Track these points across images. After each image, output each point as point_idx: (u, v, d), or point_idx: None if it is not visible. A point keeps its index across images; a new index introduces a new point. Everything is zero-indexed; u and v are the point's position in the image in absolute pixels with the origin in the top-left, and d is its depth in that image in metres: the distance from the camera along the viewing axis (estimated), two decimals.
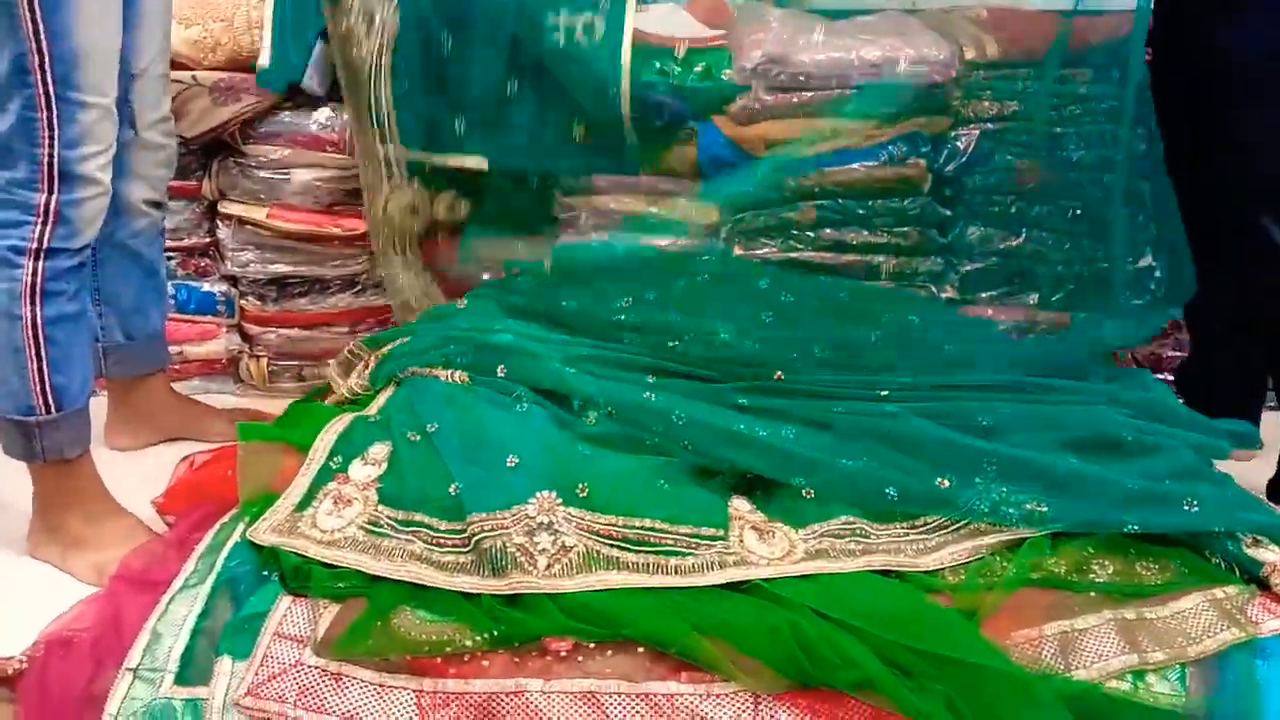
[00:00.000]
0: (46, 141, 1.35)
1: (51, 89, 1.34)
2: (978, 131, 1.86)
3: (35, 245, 1.38)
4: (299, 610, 1.17)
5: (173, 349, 1.99)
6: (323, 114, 1.95)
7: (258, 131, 1.94)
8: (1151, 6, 1.65)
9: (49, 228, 1.38)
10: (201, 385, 2.08)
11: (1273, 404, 1.91)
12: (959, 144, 1.86)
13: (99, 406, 1.65)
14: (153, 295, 1.77)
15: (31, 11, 1.30)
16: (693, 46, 1.86)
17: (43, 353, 1.41)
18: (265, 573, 1.23)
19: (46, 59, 1.33)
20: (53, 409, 1.42)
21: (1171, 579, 1.23)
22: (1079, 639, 1.16)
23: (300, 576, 1.20)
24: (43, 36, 1.32)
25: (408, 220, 1.87)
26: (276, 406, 1.79)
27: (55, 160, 1.36)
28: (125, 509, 1.52)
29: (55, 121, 1.35)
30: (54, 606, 1.27)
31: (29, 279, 1.39)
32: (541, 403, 1.46)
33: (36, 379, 1.41)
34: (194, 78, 1.93)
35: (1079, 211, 1.86)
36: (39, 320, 1.40)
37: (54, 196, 1.38)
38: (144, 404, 1.81)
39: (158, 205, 1.72)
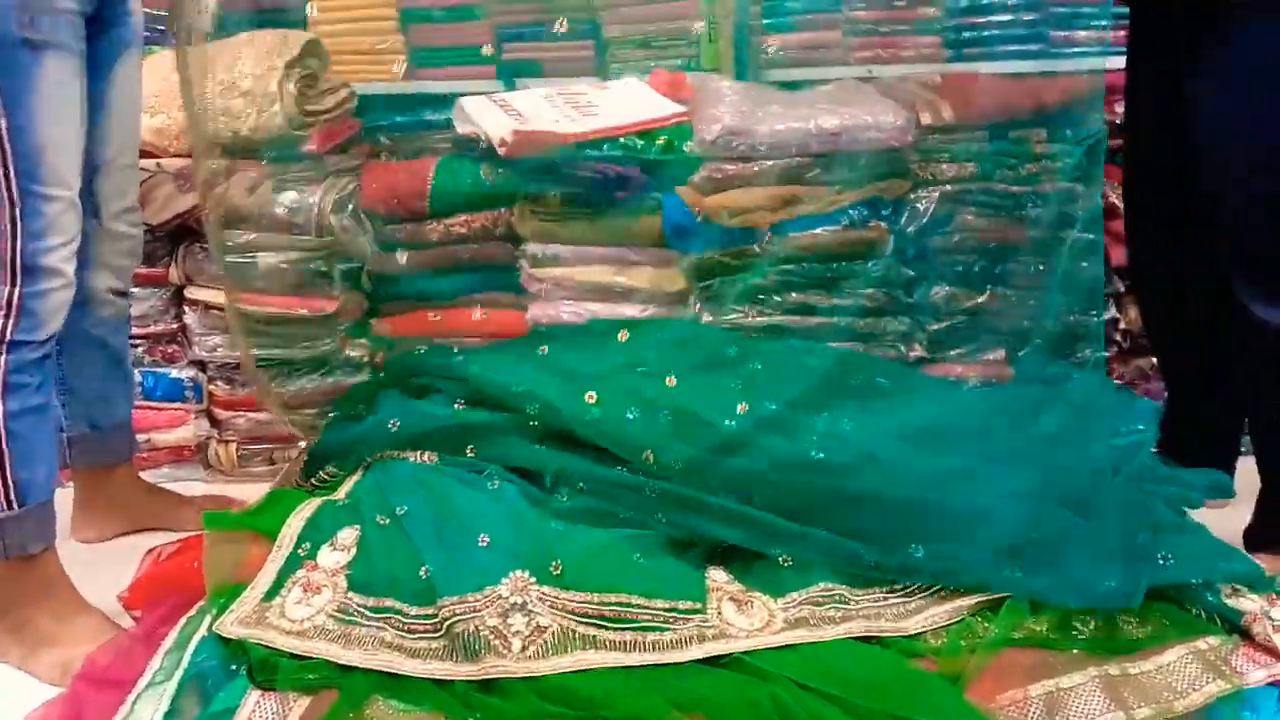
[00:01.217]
0: (9, 235, 1.35)
1: (14, 183, 1.34)
2: (937, 193, 1.90)
3: None
4: (268, 704, 1.14)
5: (140, 436, 1.96)
6: (288, 197, 1.95)
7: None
8: (1106, 67, 1.69)
9: (12, 321, 1.37)
10: (170, 473, 2.05)
11: (1246, 450, 1.92)
12: (919, 206, 1.89)
13: (64, 498, 1.62)
14: (119, 384, 1.75)
15: None
16: (654, 127, 1.90)
17: (4, 447, 1.38)
18: (234, 666, 1.19)
19: (9, 154, 1.33)
20: (15, 504, 1.39)
21: (1153, 632, 1.23)
22: (1065, 698, 1.14)
23: (268, 669, 1.17)
24: (4, 133, 1.33)
25: None
26: (247, 492, 1.77)
27: (19, 253, 1.36)
28: (90, 605, 1.47)
29: (18, 215, 1.35)
30: (15, 710, 1.23)
31: None
32: (512, 480, 1.45)
33: None
34: (159, 165, 1.94)
35: (1042, 267, 1.89)
36: (2, 413, 1.37)
37: (17, 289, 1.37)
38: (112, 494, 1.78)
39: (123, 294, 1.72)
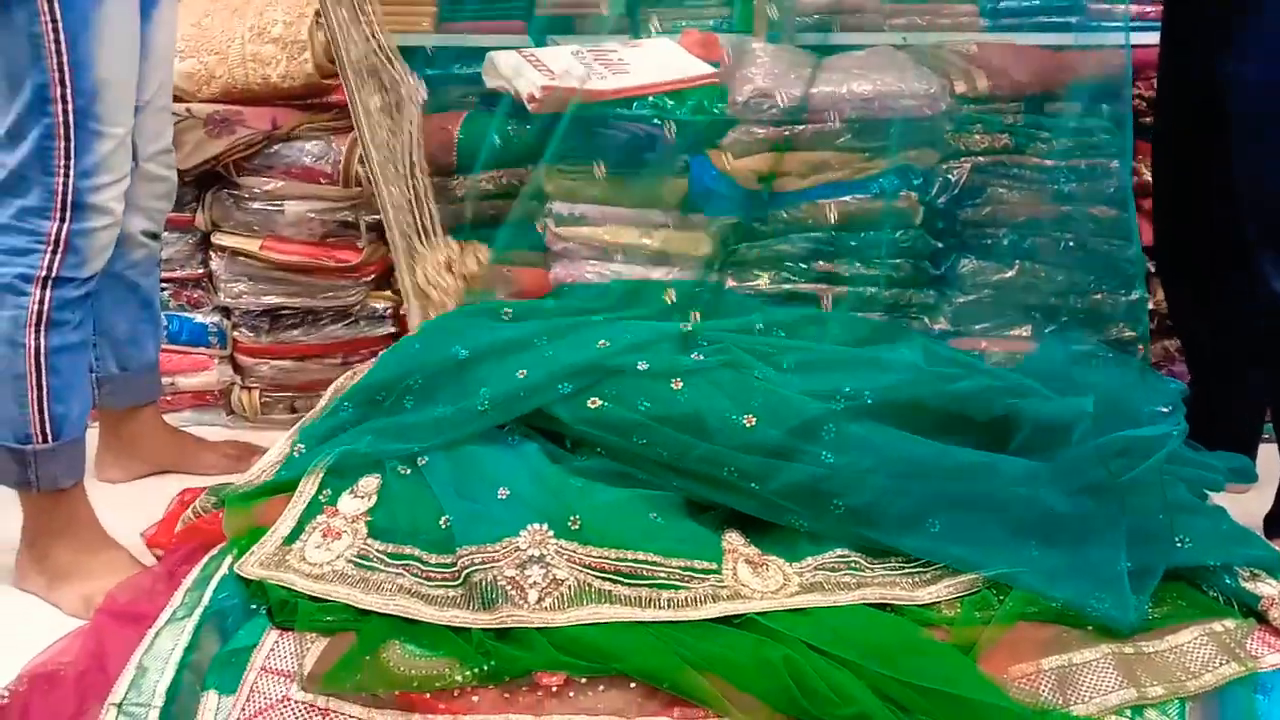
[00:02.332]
0: (62, 171, 1.36)
1: (71, 119, 1.35)
2: (969, 165, 1.87)
3: (44, 274, 1.38)
4: (286, 644, 1.15)
5: (165, 380, 1.98)
6: (316, 146, 1.96)
7: (252, 163, 1.95)
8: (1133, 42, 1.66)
9: (59, 256, 1.38)
10: (193, 417, 2.07)
11: (1269, 437, 1.91)
12: (950, 177, 1.87)
13: (89, 438, 1.63)
14: (148, 327, 1.76)
15: (56, 43, 1.31)
16: (685, 87, 1.88)
17: (44, 381, 1.40)
18: (253, 605, 1.21)
19: (69, 89, 1.33)
20: (50, 438, 1.41)
21: (1168, 613, 1.22)
22: (1077, 674, 1.14)
23: (287, 610, 1.18)
24: (66, 68, 1.32)
25: (445, 279, 1.85)
26: (267, 438, 1.78)
27: (70, 189, 1.36)
28: (116, 541, 1.50)
29: (72, 151, 1.35)
30: (39, 640, 1.25)
31: (35, 307, 1.38)
32: (533, 436, 1.45)
33: (36, 407, 1.40)
34: (189, 110, 1.94)
35: (1071, 244, 1.87)
36: (43, 349, 1.39)
37: (65, 225, 1.38)
38: (135, 436, 1.79)
39: (154, 236, 1.72)
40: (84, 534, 1.48)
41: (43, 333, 1.38)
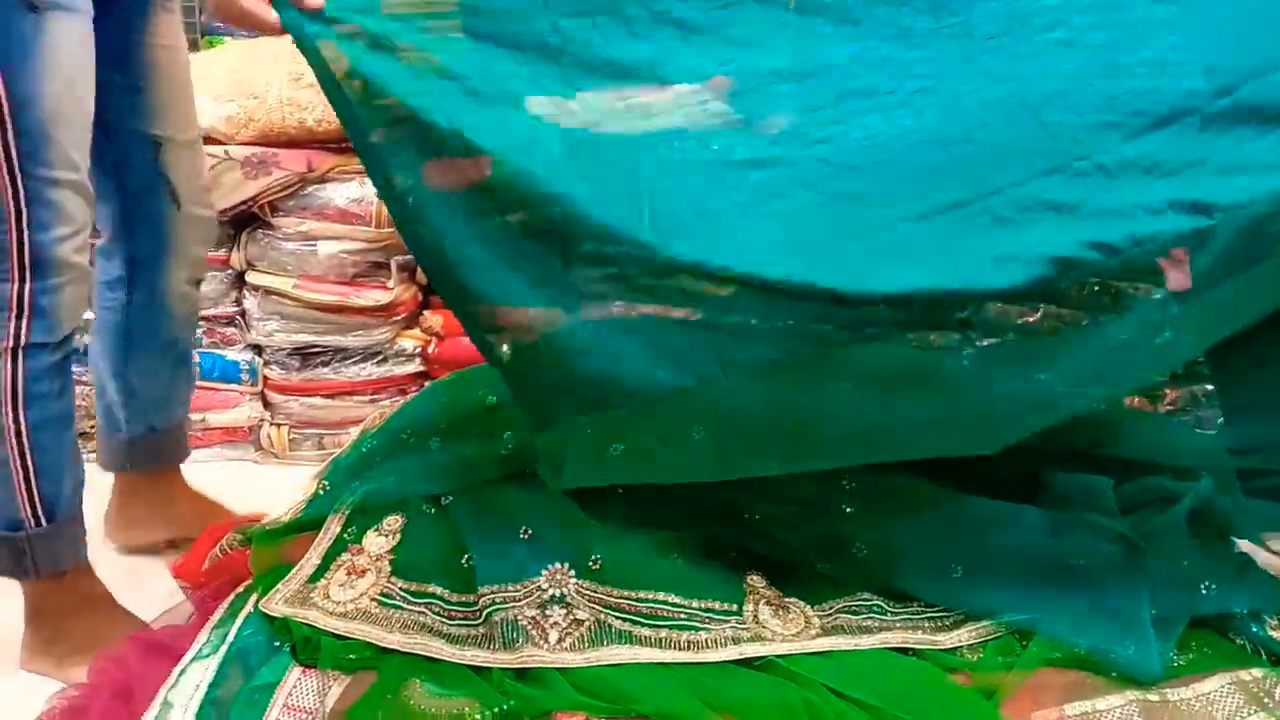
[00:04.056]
0: (13, 224, 1.20)
1: (16, 165, 1.19)
2: None
3: (10, 343, 1.24)
4: (308, 682, 1.16)
5: (195, 416, 2.01)
6: (350, 188, 2.00)
7: (287, 205, 1.99)
8: None
9: (24, 322, 1.24)
10: (222, 452, 2.10)
11: None
12: None
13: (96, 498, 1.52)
14: (183, 384, 1.65)
15: None
16: None
17: (29, 462, 1.27)
18: (277, 643, 1.22)
19: (9, 133, 1.18)
20: (43, 520, 1.30)
21: (1194, 660, 1.21)
22: None
23: (310, 647, 1.19)
24: (5, 105, 1.17)
25: None
26: (295, 475, 1.80)
27: (25, 245, 1.22)
28: (130, 613, 1.41)
29: (22, 202, 1.20)
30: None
31: (7, 381, 1.24)
32: None
33: (24, 490, 1.28)
34: (226, 152, 1.99)
35: None
36: (23, 427, 1.26)
37: (26, 286, 1.23)
38: (158, 499, 1.66)
39: (198, 284, 1.61)
40: (95, 611, 1.38)
41: (20, 409, 1.25)
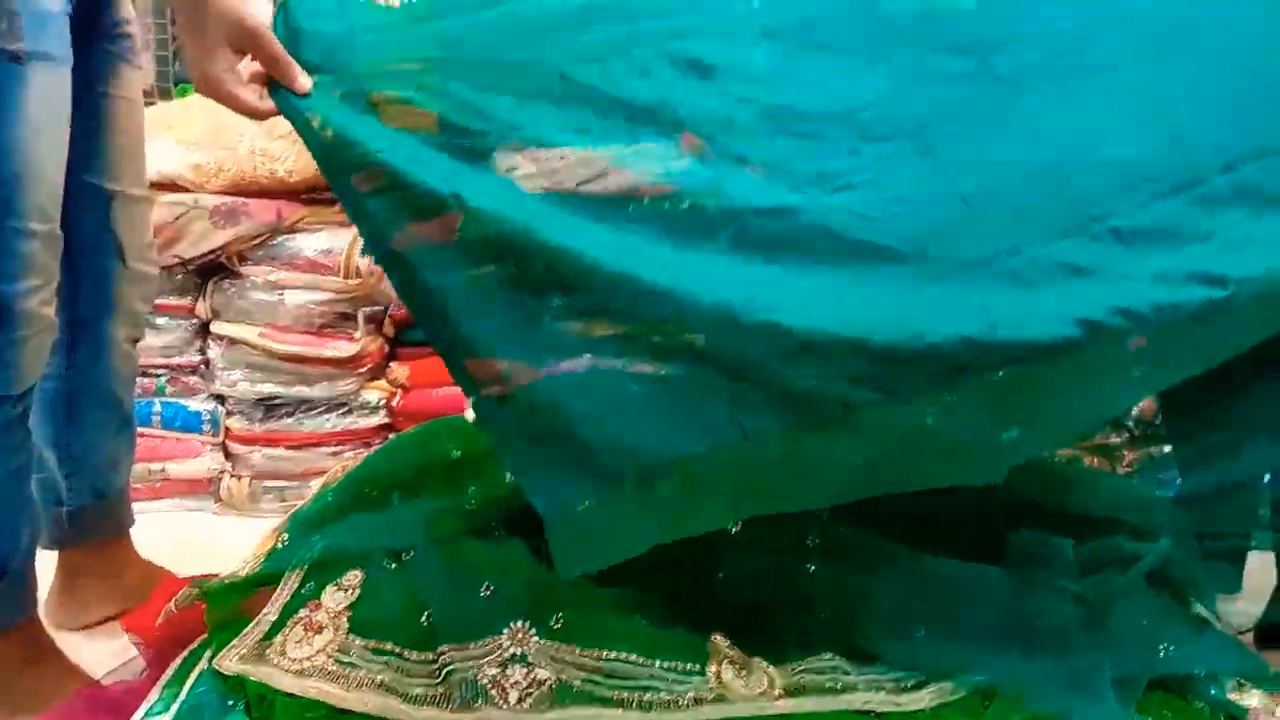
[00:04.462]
0: None
1: None
2: None
3: None
4: None
5: (155, 466, 2.00)
6: (320, 238, 2.00)
7: (255, 254, 1.99)
8: None
9: None
10: (181, 503, 2.07)
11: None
12: None
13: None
14: (126, 446, 1.59)
15: None
16: None
17: None
18: (230, 701, 1.20)
19: None
20: None
21: None
22: None
23: (264, 706, 1.17)
24: None
25: None
26: (255, 528, 1.77)
27: None
28: (79, 668, 1.36)
29: None
30: None
31: None
32: (520, 533, 1.45)
33: None
34: (195, 200, 1.99)
35: None
36: None
37: None
38: (106, 571, 1.58)
39: (135, 342, 1.57)
40: (44, 666, 1.33)
41: None
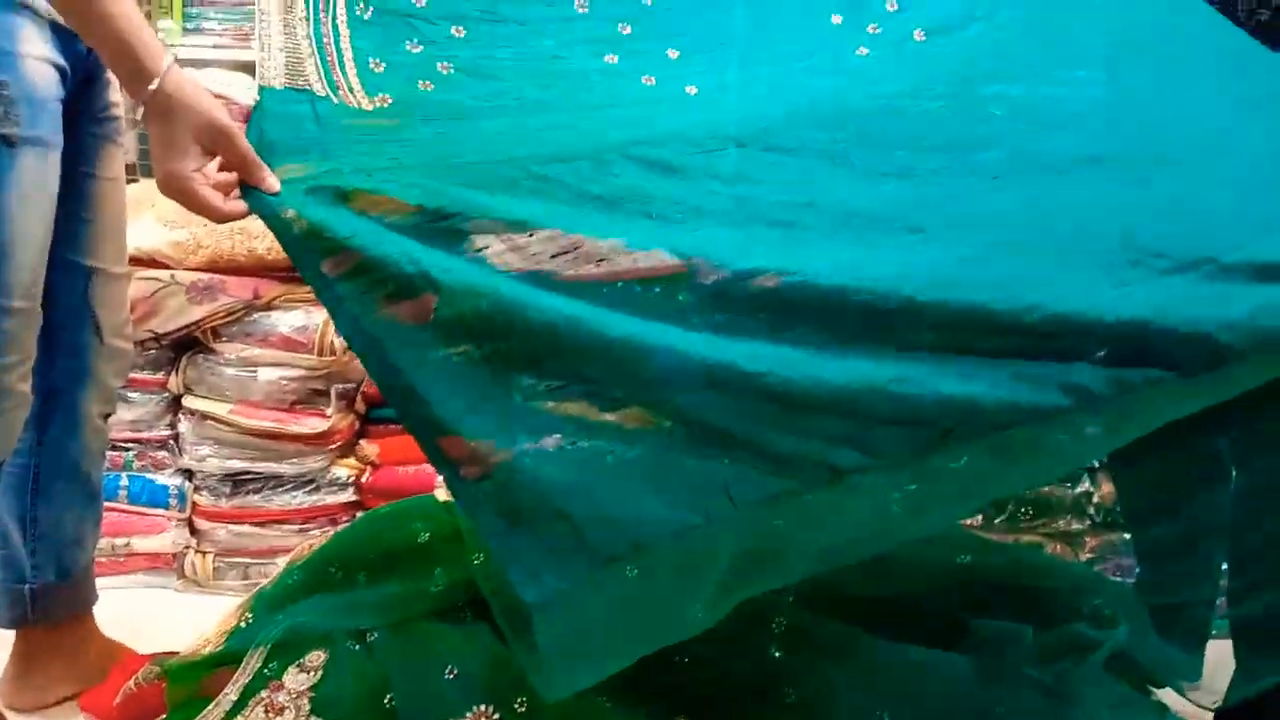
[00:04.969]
0: None
1: None
2: None
3: None
4: None
5: (119, 541, 1.98)
6: (295, 316, 2.02)
7: (230, 330, 2.00)
8: None
9: None
10: (142, 579, 2.04)
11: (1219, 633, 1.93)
12: None
13: None
14: (92, 523, 1.58)
15: None
16: None
17: None
18: None
19: None
20: None
21: None
22: None
23: None
24: None
25: None
26: (218, 605, 1.76)
27: None
28: None
29: None
30: None
31: None
32: (485, 616, 1.45)
33: None
34: (173, 276, 2.00)
35: None
36: None
37: None
38: (67, 650, 1.55)
39: (107, 417, 1.58)
40: None
41: None
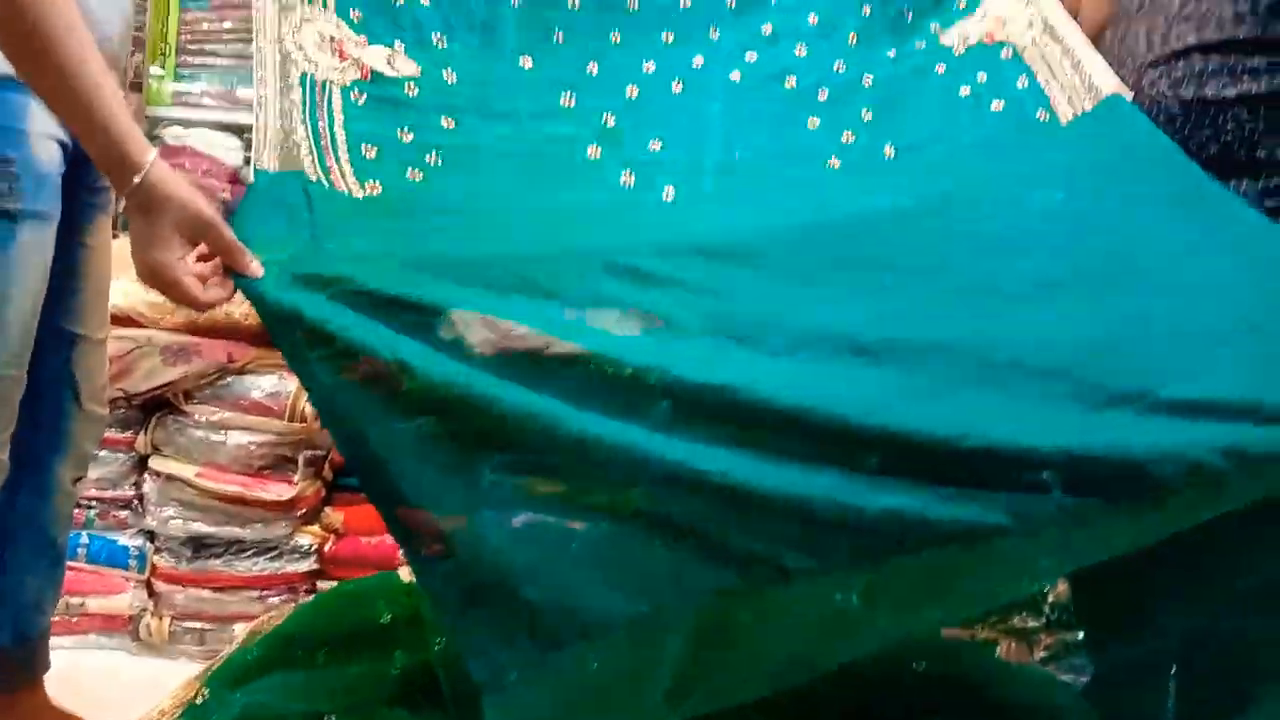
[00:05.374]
0: None
1: None
2: None
3: None
4: None
5: (75, 600, 1.96)
6: (268, 381, 2.03)
7: (202, 393, 2.00)
8: None
9: None
10: (98, 640, 2.02)
11: None
12: None
13: None
14: (53, 587, 1.56)
15: None
16: None
17: None
18: None
19: None
20: None
21: None
22: None
23: None
24: None
25: None
26: (173, 669, 1.74)
27: None
28: None
29: None
30: None
31: None
32: (444, 703, 1.44)
33: None
34: (149, 338, 2.01)
35: None
36: None
37: None
38: (21, 718, 1.53)
39: (78, 482, 1.57)
40: None
41: None
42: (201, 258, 1.06)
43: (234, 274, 1.09)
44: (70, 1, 1.03)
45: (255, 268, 1.07)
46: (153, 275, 1.04)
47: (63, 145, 1.31)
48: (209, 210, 1.04)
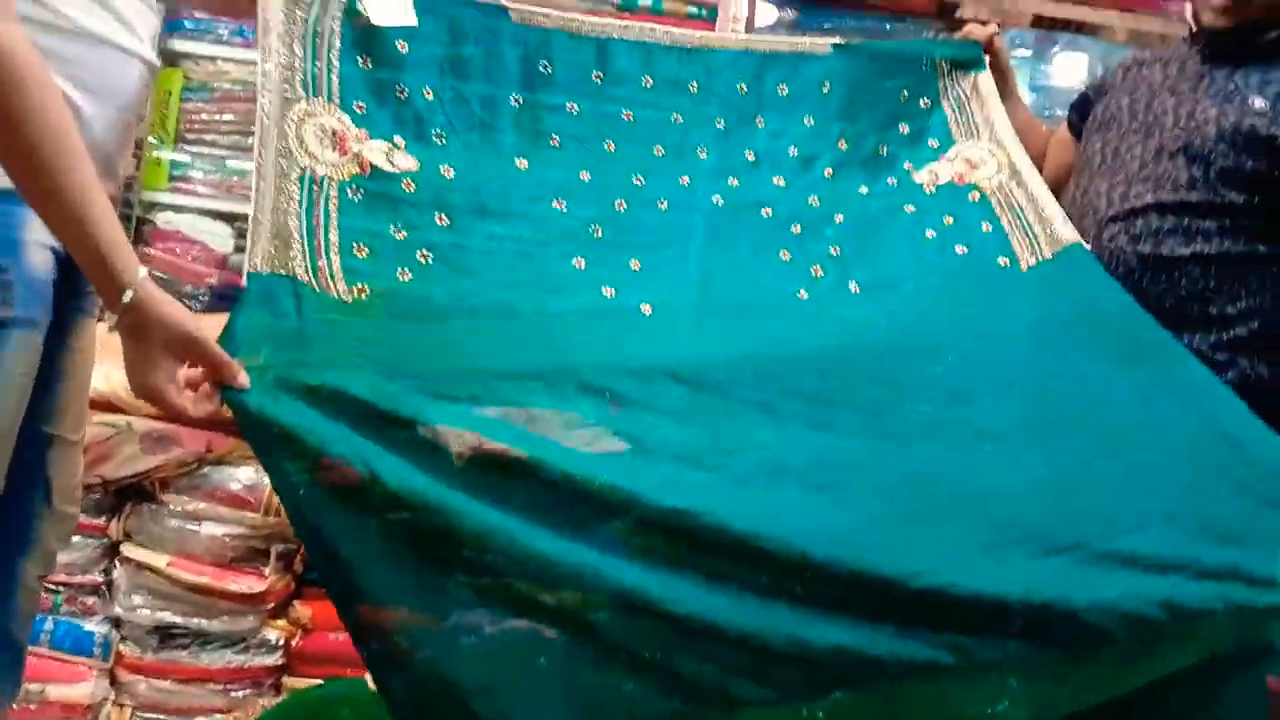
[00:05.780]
0: None
1: None
2: None
3: None
4: None
5: (35, 687, 1.94)
6: (245, 473, 2.05)
7: (179, 483, 2.02)
8: None
9: None
10: None
11: None
12: None
13: None
14: (11, 684, 1.49)
15: None
16: None
17: None
18: None
19: None
20: None
21: None
22: None
23: None
24: None
25: None
26: None
27: None
28: None
29: None
30: None
31: None
32: None
33: None
34: (129, 424, 2.03)
35: None
36: None
37: None
38: None
39: (42, 579, 1.51)
40: None
41: None
42: (192, 370, 1.10)
43: (229, 395, 1.13)
44: (66, 127, 1.06)
45: (242, 379, 1.10)
46: (145, 394, 1.08)
47: (55, 252, 1.33)
48: (196, 329, 1.08)
